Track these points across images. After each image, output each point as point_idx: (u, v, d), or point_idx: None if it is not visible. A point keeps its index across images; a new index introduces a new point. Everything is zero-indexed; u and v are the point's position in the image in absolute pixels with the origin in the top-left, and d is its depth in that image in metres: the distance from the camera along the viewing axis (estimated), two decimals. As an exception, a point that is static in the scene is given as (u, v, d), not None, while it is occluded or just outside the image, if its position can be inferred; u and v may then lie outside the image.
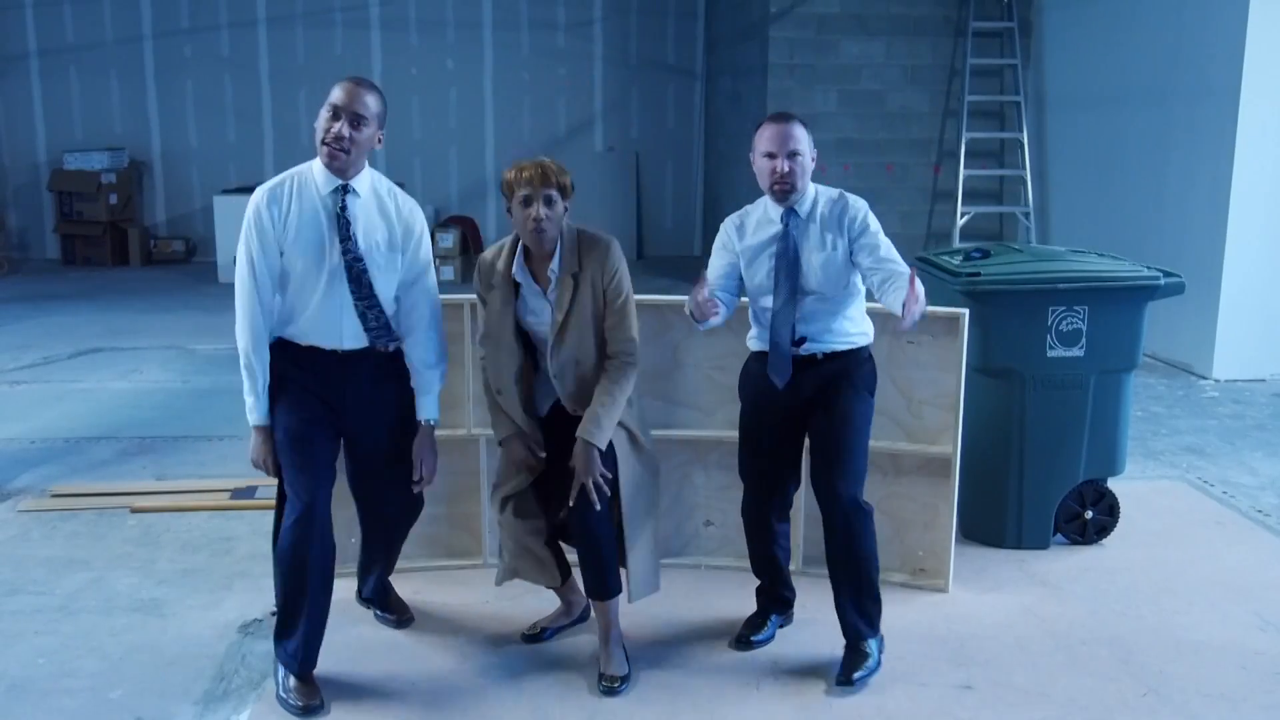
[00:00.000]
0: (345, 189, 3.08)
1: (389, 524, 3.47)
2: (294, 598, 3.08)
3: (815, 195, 3.33)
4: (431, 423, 3.30)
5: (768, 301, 3.31)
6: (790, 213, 3.29)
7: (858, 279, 3.30)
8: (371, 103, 3.03)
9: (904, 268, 3.17)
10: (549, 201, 3.07)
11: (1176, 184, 7.26)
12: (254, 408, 3.09)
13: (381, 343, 3.17)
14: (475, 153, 11.80)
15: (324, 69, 11.25)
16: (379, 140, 3.10)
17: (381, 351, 3.18)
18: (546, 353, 3.19)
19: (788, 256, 3.25)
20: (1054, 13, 8.92)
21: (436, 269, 11.28)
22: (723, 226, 3.47)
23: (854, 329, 3.34)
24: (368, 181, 3.14)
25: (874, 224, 3.28)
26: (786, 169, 3.22)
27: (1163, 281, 4.10)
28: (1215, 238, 6.78)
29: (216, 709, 3.09)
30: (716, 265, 3.44)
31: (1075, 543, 4.28)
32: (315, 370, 3.11)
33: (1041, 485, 4.19)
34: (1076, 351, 4.09)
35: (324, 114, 3.02)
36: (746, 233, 3.39)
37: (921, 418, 3.87)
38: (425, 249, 3.24)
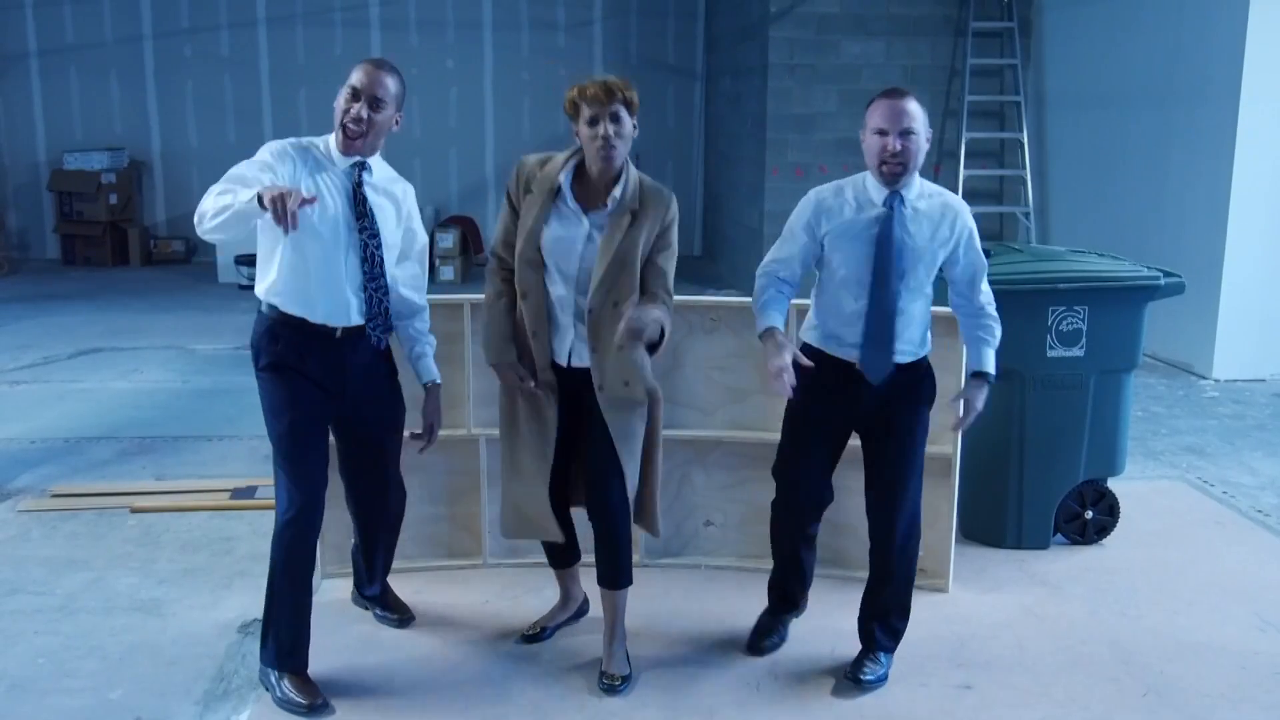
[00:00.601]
0: (362, 165, 3.10)
1: (387, 509, 3.46)
2: (290, 593, 3.07)
3: (921, 185, 3.13)
4: (437, 383, 3.37)
5: (853, 292, 3.08)
6: (896, 196, 3.06)
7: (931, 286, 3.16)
8: (391, 85, 3.05)
9: (995, 320, 3.17)
10: (616, 119, 2.97)
11: (1176, 184, 7.26)
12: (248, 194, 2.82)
13: (377, 332, 3.15)
14: (475, 153, 11.80)
15: (324, 69, 11.25)
16: (397, 122, 3.12)
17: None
18: (585, 286, 3.02)
19: (891, 242, 3.02)
20: (1054, 13, 8.92)
21: (436, 269, 11.27)
22: (806, 202, 3.18)
23: (927, 335, 3.19)
24: (378, 162, 3.18)
25: (978, 241, 3.14)
26: (899, 147, 2.98)
27: (1163, 281, 4.10)
28: (1215, 238, 6.78)
29: (216, 709, 3.09)
30: (789, 248, 3.17)
31: (1075, 543, 4.28)
32: (315, 354, 3.07)
33: (1041, 485, 4.19)
34: (1076, 351, 4.09)
35: (343, 95, 3.01)
36: (841, 213, 3.11)
37: None
38: (419, 223, 3.29)
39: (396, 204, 3.19)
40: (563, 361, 3.12)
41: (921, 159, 3.06)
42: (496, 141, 11.76)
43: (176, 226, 11.74)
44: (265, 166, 2.96)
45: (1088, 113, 8.41)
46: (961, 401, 3.19)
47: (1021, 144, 9.10)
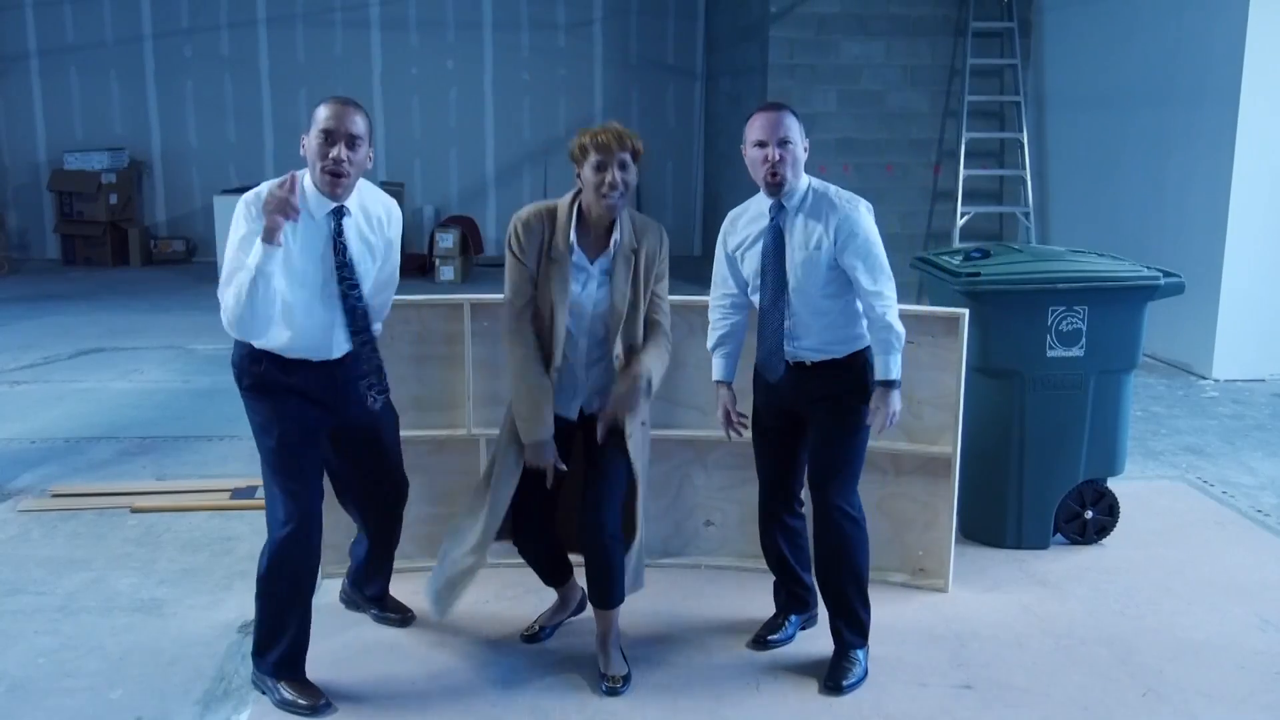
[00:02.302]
0: (340, 211, 2.99)
1: (390, 504, 3.45)
2: (287, 607, 3.06)
3: (807, 189, 3.21)
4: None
5: (757, 299, 3.29)
6: (778, 206, 3.20)
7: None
8: (361, 122, 2.94)
9: (887, 328, 3.12)
10: (623, 166, 3.03)
11: (1176, 184, 7.26)
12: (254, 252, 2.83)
13: (372, 392, 3.14)
14: (475, 153, 11.80)
15: (324, 69, 11.27)
16: (369, 159, 3.03)
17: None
18: (599, 333, 3.16)
19: (771, 251, 3.19)
20: (1054, 13, 8.92)
21: (436, 269, 11.27)
22: (723, 225, 3.43)
23: (852, 332, 3.25)
24: (356, 199, 3.05)
25: (863, 232, 3.13)
26: (777, 157, 3.10)
27: (1163, 281, 4.10)
28: (1215, 238, 6.78)
29: (216, 709, 3.09)
30: (718, 268, 3.44)
31: (1075, 543, 4.28)
32: (299, 372, 3.04)
33: (1041, 485, 4.19)
34: (1076, 351, 4.09)
35: (315, 139, 2.89)
36: (738, 227, 3.34)
37: (921, 418, 3.87)
38: (398, 248, 3.23)
39: (381, 243, 3.12)
40: (574, 416, 3.25)
41: (801, 168, 3.19)
42: (496, 141, 11.76)
43: (176, 226, 11.74)
44: (247, 240, 2.87)
45: (1088, 113, 8.41)
46: (871, 410, 3.19)
47: (1021, 144, 9.10)
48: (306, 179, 2.97)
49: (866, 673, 3.27)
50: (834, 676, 3.23)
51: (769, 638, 3.48)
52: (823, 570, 3.30)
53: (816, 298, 3.18)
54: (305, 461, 3.06)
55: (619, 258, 3.11)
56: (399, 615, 3.60)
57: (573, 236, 3.09)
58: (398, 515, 3.50)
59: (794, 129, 3.15)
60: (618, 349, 3.15)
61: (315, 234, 2.96)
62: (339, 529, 3.90)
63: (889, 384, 3.14)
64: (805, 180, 3.22)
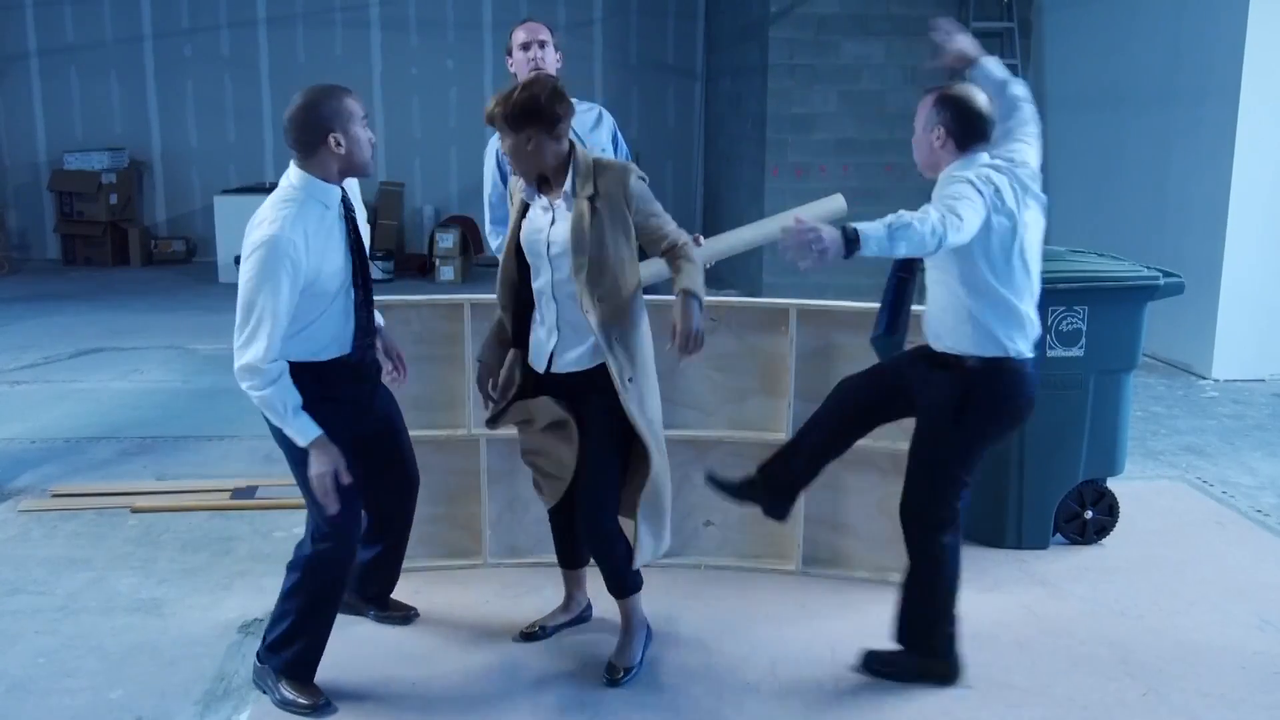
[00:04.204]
0: (342, 195, 3.03)
1: (406, 495, 3.44)
2: (315, 614, 3.07)
3: None
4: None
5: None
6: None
7: (982, 267, 2.98)
8: None
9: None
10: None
11: (1176, 184, 7.26)
12: (304, 426, 2.88)
13: (370, 350, 3.14)
14: (475, 153, 11.68)
15: (324, 69, 11.24)
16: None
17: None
18: (564, 275, 3.07)
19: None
20: (1054, 13, 8.92)
21: (436, 269, 11.29)
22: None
23: (952, 330, 3.08)
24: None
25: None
26: None
27: (1162, 281, 4.10)
28: (1215, 238, 6.78)
29: (216, 709, 3.09)
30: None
31: (1075, 543, 4.28)
32: (337, 379, 3.00)
33: (1041, 485, 4.19)
34: (1076, 351, 4.09)
35: (361, 124, 2.98)
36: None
37: None
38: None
39: (361, 217, 3.16)
40: (540, 367, 3.20)
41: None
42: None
43: (176, 226, 11.75)
44: (278, 289, 2.81)
45: (1088, 113, 8.41)
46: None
47: (1021, 144, 9.09)
48: (306, 178, 2.93)
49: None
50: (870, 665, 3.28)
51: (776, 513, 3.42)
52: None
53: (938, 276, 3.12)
54: (354, 483, 3.02)
55: (577, 199, 3.04)
56: (401, 613, 3.60)
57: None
58: (411, 508, 3.49)
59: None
60: (587, 303, 3.02)
61: (333, 225, 2.97)
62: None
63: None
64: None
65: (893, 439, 3.89)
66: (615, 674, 3.21)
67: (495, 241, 4.07)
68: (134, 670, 3.29)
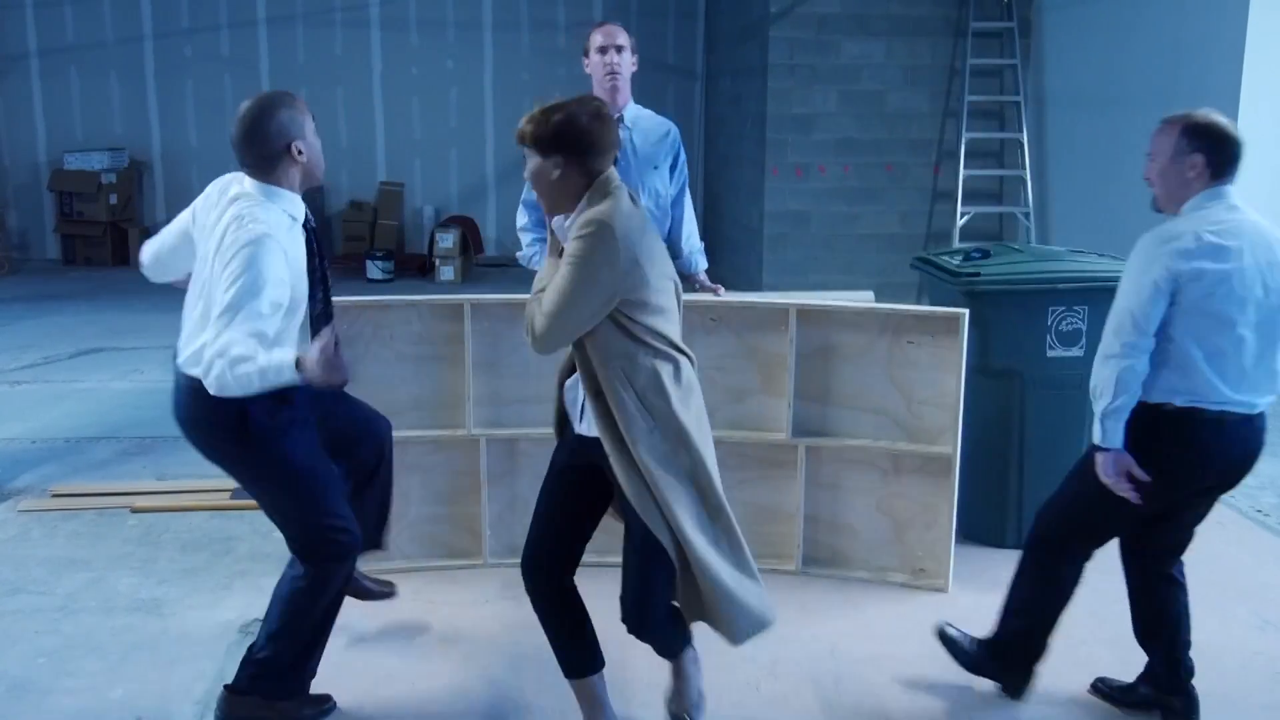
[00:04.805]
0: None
1: (382, 438, 3.27)
2: (327, 630, 3.01)
3: None
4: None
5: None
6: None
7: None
8: None
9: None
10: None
11: (1176, 184, 7.26)
12: (282, 363, 2.56)
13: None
14: (475, 153, 11.80)
15: (324, 69, 11.26)
16: None
17: None
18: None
19: None
20: (1054, 13, 8.92)
21: (436, 269, 11.27)
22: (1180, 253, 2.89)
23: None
24: None
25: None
26: None
27: (1163, 282, 4.10)
28: (1215, 238, 6.77)
29: (217, 709, 3.09)
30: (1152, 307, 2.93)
31: (1075, 543, 4.28)
32: (295, 395, 2.81)
33: (1041, 485, 4.17)
34: (1076, 351, 4.09)
35: (313, 131, 2.85)
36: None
37: (921, 418, 3.87)
38: None
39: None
40: (575, 426, 2.79)
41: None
42: (496, 141, 11.75)
43: (176, 226, 11.74)
44: (276, 306, 2.67)
45: (1088, 113, 8.41)
46: None
47: (1021, 144, 9.09)
48: (274, 190, 2.79)
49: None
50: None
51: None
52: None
53: None
54: (338, 484, 2.99)
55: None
56: (382, 587, 3.44)
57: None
58: (390, 451, 3.31)
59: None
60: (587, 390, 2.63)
61: (298, 238, 2.82)
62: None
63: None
64: None
65: (892, 439, 3.89)
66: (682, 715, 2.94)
67: (525, 249, 3.98)
68: (134, 670, 3.29)
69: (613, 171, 2.67)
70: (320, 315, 2.92)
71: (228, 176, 2.91)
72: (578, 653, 2.85)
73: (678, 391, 2.62)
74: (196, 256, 2.89)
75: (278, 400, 2.74)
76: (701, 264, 4.18)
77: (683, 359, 2.67)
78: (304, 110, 2.83)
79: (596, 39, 3.95)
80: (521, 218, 4.04)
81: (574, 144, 2.63)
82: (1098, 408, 2.82)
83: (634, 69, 3.96)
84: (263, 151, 2.77)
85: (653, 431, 2.58)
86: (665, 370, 2.60)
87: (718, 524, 2.70)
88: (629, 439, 2.56)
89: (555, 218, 2.70)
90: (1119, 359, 2.79)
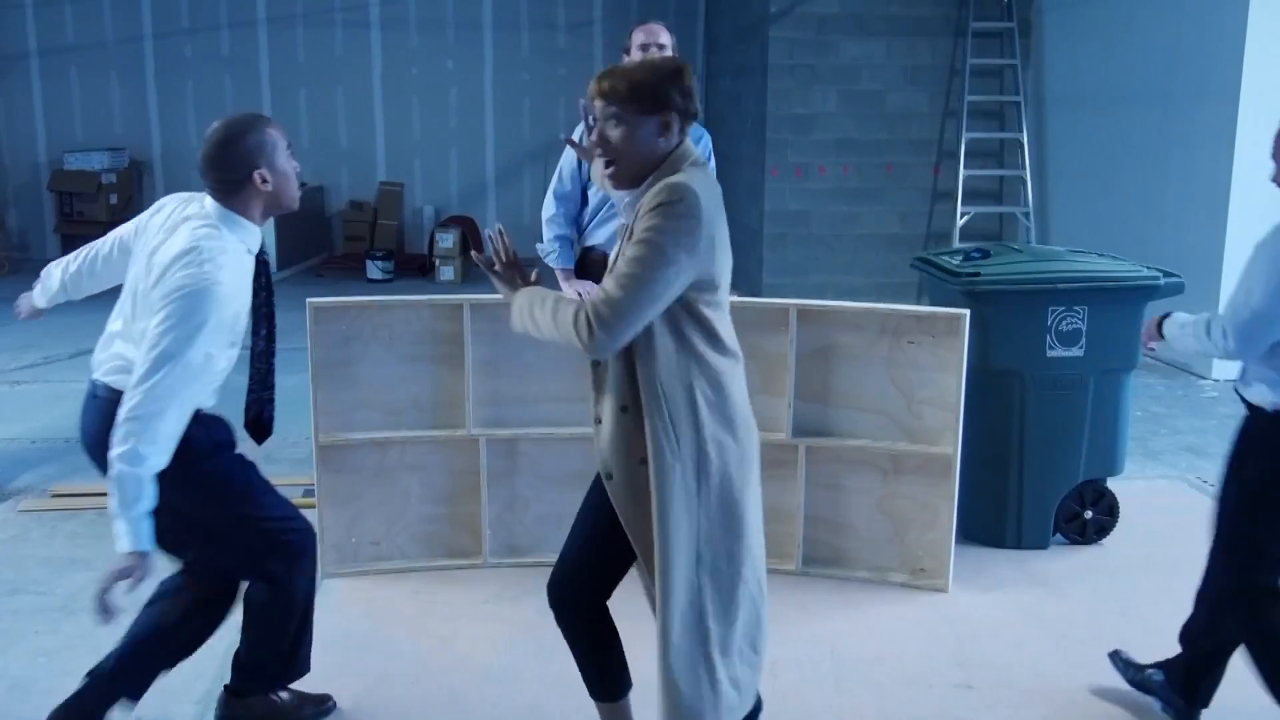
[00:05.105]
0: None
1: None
2: (309, 617, 2.97)
3: None
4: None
5: None
6: None
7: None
8: None
9: None
10: (611, 119, 2.30)
11: (1176, 184, 7.26)
12: (146, 529, 2.47)
13: (268, 404, 2.87)
14: (475, 153, 11.80)
15: (324, 69, 11.26)
16: None
17: None
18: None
19: None
20: (1054, 13, 8.92)
21: (436, 269, 11.27)
22: None
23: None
24: None
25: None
26: None
27: (1162, 281, 4.11)
28: (1215, 238, 6.78)
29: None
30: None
31: (1075, 543, 4.28)
32: (227, 430, 2.77)
33: (1041, 485, 4.19)
34: (1076, 351, 4.09)
35: (286, 155, 2.68)
36: None
37: (921, 418, 3.87)
38: None
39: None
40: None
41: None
42: (496, 141, 11.76)
43: (176, 226, 11.74)
44: (208, 357, 2.53)
45: (1088, 113, 8.41)
46: None
47: (1021, 144, 9.10)
48: (229, 216, 2.63)
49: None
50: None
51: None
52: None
53: None
54: (274, 490, 2.89)
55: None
56: (317, 705, 3.11)
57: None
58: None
59: None
60: (607, 406, 2.34)
61: (249, 269, 2.68)
62: (338, 527, 3.91)
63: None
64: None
65: (893, 439, 3.89)
66: None
67: (547, 242, 3.95)
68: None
69: (689, 140, 2.39)
70: (263, 353, 2.81)
71: (187, 195, 2.76)
72: (608, 677, 2.63)
73: (722, 415, 2.29)
74: (131, 259, 2.77)
75: (203, 428, 2.65)
76: None
77: (735, 363, 2.37)
78: (277, 135, 2.66)
79: (638, 37, 3.93)
80: (551, 208, 4.02)
81: (683, 102, 2.34)
82: (1200, 338, 2.75)
83: None
84: (225, 176, 2.61)
85: (682, 462, 2.25)
86: (712, 384, 2.28)
87: (718, 585, 2.33)
88: (654, 467, 2.24)
89: (622, 194, 2.37)
90: (1231, 356, 2.71)
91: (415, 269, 10.83)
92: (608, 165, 2.33)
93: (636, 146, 2.29)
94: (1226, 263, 6.72)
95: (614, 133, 2.29)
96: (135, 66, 11.40)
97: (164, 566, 2.70)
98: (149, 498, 2.47)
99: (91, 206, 10.99)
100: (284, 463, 4.90)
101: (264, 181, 2.62)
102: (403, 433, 3.89)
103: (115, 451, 2.44)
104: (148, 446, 2.44)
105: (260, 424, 2.87)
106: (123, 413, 2.46)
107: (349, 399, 3.86)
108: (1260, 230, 2.74)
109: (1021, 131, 9.08)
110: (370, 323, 3.86)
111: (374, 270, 10.46)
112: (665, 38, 3.94)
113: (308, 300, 3.83)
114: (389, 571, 3.92)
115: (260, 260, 2.72)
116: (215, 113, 2.94)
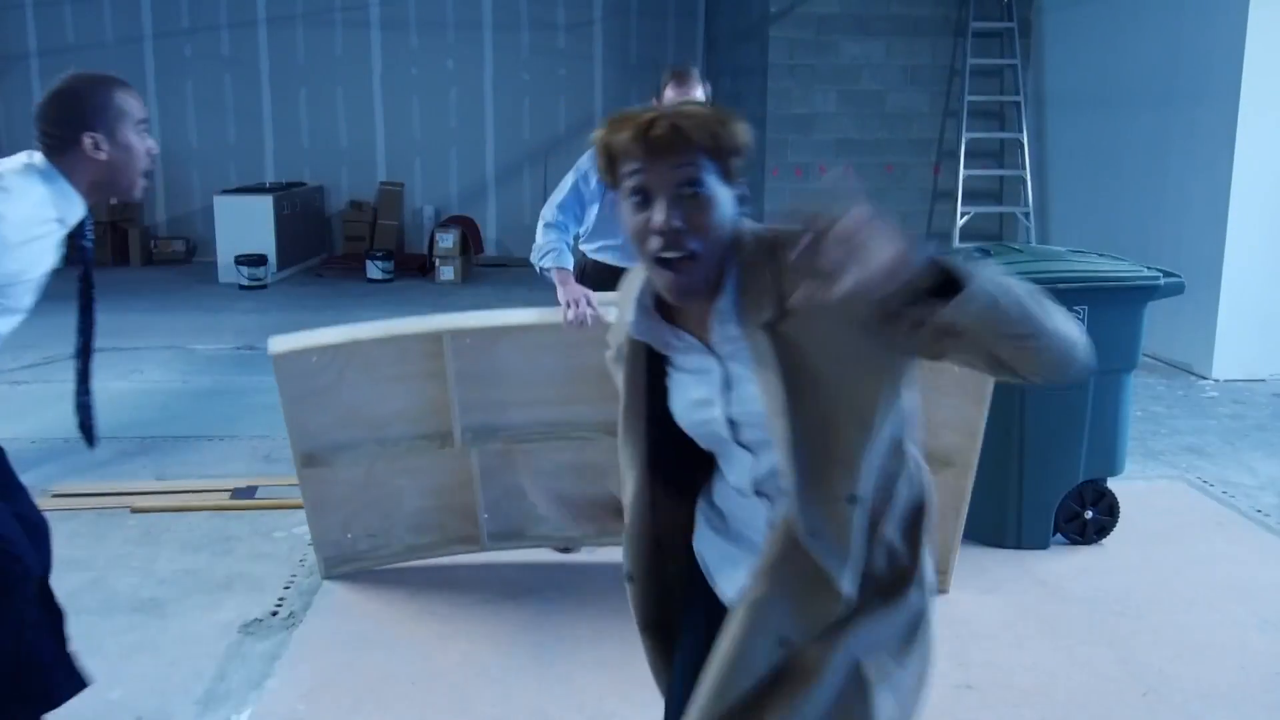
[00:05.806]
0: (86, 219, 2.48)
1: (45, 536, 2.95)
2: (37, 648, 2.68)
3: None
4: None
5: None
6: None
7: None
8: None
9: None
10: (691, 184, 1.49)
11: (1176, 184, 7.26)
12: None
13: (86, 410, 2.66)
14: (475, 153, 11.80)
15: (324, 69, 11.26)
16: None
17: None
18: (764, 468, 1.67)
19: None
20: (1054, 13, 8.92)
21: (436, 269, 11.26)
22: None
23: None
24: None
25: None
26: None
27: (1162, 281, 4.10)
28: (1215, 238, 6.78)
29: (216, 709, 3.08)
30: None
31: (1075, 543, 4.28)
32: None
33: (1041, 485, 4.19)
34: (1076, 351, 4.08)
35: (137, 129, 2.42)
36: None
37: (939, 438, 3.75)
38: None
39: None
40: (730, 592, 1.75)
41: None
42: (496, 141, 11.76)
43: (176, 226, 11.75)
44: None
45: (1088, 113, 8.41)
46: None
47: (1021, 144, 9.10)
48: (40, 160, 2.38)
49: None
50: None
51: None
52: None
53: None
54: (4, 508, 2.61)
55: (741, 340, 1.56)
56: None
57: (639, 307, 1.63)
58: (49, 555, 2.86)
59: None
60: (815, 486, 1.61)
61: (52, 242, 2.46)
62: (337, 528, 3.90)
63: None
64: None
65: (893, 439, 3.87)
66: None
67: (544, 245, 3.78)
68: (134, 670, 3.29)
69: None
70: (82, 350, 2.53)
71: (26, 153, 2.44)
72: None
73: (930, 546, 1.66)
74: None
75: None
76: None
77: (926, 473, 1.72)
78: (130, 104, 2.34)
79: (669, 93, 3.82)
80: (553, 215, 3.92)
81: (719, 146, 1.53)
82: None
83: None
84: (51, 130, 2.30)
85: (887, 615, 1.66)
86: (922, 497, 1.69)
87: None
88: (846, 628, 1.60)
89: (721, 304, 1.56)
90: None
91: (415, 269, 10.83)
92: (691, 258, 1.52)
93: (722, 223, 1.54)
94: (1226, 263, 6.72)
95: (707, 195, 1.52)
96: (135, 66, 11.39)
97: None
98: None
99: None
100: (283, 463, 4.90)
101: (96, 148, 2.31)
102: (389, 448, 3.78)
103: None
104: None
105: (85, 429, 2.63)
106: None
107: (328, 420, 3.68)
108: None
109: (1021, 131, 9.08)
110: (341, 359, 3.64)
111: (374, 270, 10.46)
112: (699, 91, 3.82)
113: (271, 353, 3.59)
114: (388, 569, 3.92)
115: (80, 245, 2.39)
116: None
